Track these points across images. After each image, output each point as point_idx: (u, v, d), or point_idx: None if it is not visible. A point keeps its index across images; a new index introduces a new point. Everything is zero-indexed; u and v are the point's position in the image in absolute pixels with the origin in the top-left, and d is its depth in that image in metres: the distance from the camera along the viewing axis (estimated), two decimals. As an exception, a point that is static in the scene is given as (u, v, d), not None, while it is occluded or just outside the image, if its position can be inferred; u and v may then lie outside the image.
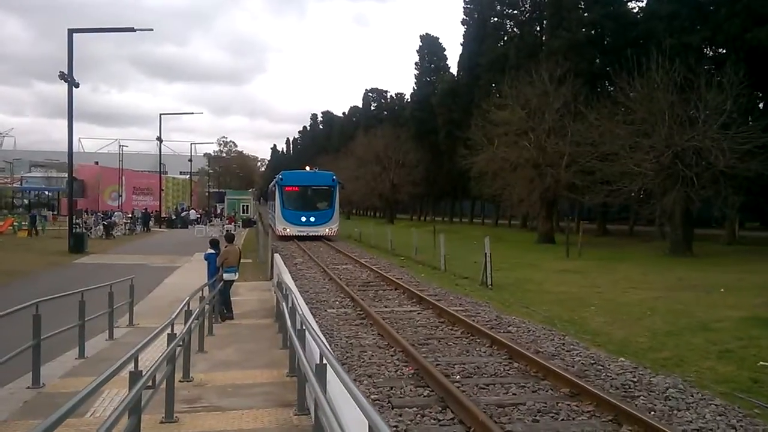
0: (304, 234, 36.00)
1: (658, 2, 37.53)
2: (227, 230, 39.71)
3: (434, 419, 6.51)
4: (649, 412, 6.49)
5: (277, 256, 19.86)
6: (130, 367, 5.17)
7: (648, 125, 27.49)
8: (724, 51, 33.24)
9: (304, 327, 7.18)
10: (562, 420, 6.38)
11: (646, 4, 41.73)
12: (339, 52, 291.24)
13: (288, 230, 36.54)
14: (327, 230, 37.22)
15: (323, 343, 5.62)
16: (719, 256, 27.23)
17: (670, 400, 6.97)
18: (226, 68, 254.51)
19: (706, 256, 27.09)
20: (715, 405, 6.82)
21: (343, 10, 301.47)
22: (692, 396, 7.14)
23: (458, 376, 8.10)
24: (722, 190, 25.60)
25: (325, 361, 5.26)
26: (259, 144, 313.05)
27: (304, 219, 36.66)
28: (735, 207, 27.89)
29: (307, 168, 43.32)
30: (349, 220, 74.45)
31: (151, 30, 29.87)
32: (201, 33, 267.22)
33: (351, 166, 69.03)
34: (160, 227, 52.65)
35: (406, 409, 6.74)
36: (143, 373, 4.87)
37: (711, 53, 35.55)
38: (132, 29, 28.57)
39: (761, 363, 9.52)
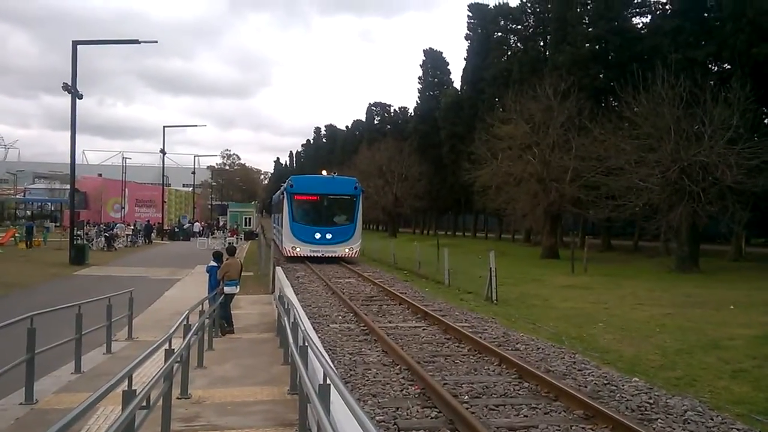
0: (319, 255, 29.07)
1: (663, 17, 37.59)
2: (229, 243, 39.57)
3: (443, 443, 6.21)
4: (668, 437, 6.20)
5: (278, 269, 19.62)
6: (124, 385, 4.91)
7: (654, 140, 27.28)
8: (730, 66, 33.10)
9: (306, 344, 6.93)
10: (577, 444, 6.08)
11: (651, 19, 41.80)
12: (343, 66, 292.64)
13: (299, 250, 29.34)
14: (347, 250, 29.83)
15: (327, 361, 5.36)
16: (726, 272, 26.90)
17: (689, 423, 6.67)
18: (231, 82, 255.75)
19: (712, 272, 26.76)
20: (737, 429, 6.52)
21: (348, 25, 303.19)
22: (712, 419, 6.84)
23: (467, 396, 7.79)
24: (729, 205, 25.33)
25: (328, 381, 5.01)
26: (262, 157, 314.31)
27: (318, 236, 29.22)
28: (742, 223, 27.60)
29: (324, 172, 35.21)
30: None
31: (156, 42, 29.99)
32: (207, 47, 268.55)
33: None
34: (162, 239, 52.46)
35: (414, 431, 6.45)
36: (137, 392, 4.61)
37: (716, 68, 35.42)
38: (137, 41, 28.54)
39: (777, 383, 9.22)
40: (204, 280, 16.06)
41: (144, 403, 4.81)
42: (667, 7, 39.42)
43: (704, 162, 25.50)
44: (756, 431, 6.55)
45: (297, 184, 31.06)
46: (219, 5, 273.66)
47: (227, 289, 13.09)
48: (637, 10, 43.30)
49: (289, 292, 13.17)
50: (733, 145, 25.11)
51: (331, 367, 5.13)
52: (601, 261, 32.34)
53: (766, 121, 30.85)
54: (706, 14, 35.97)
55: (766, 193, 26.58)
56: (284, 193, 30.71)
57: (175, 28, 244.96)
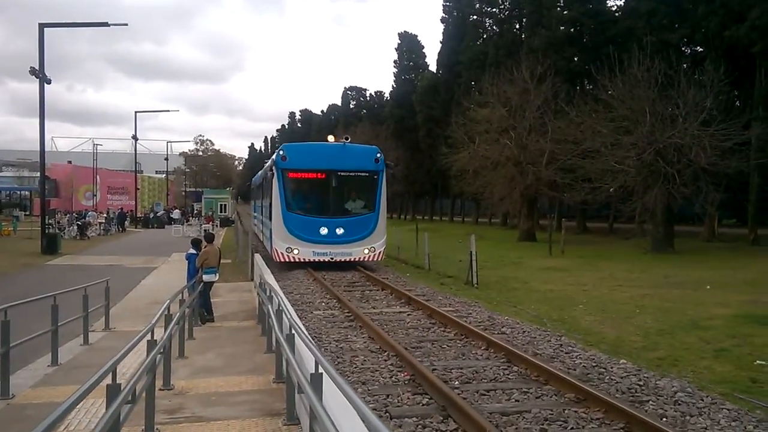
0: (327, 259, 20.40)
1: (637, 0, 37.70)
2: (206, 230, 39.04)
3: (437, 430, 6.12)
4: (661, 419, 6.19)
5: (257, 256, 19.39)
6: (108, 378, 4.71)
7: (629, 122, 27.48)
8: (703, 49, 33.45)
9: (293, 332, 6.79)
10: (572, 429, 6.03)
11: (625, 2, 41.92)
12: (318, 50, 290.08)
13: (297, 253, 20.33)
14: (366, 251, 20.74)
15: (316, 350, 5.22)
16: (700, 252, 27.33)
17: (680, 404, 6.68)
18: (204, 67, 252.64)
19: (687, 252, 27.16)
20: (728, 410, 6.55)
21: (323, 8, 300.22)
22: (702, 400, 6.86)
23: (457, 382, 7.70)
24: (703, 187, 25.68)
25: (320, 370, 4.88)
26: (237, 143, 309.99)
27: (325, 231, 20.33)
28: (715, 204, 28.00)
29: (331, 138, 22.44)
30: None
31: (126, 25, 29.16)
32: (180, 31, 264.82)
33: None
34: (135, 227, 51.61)
35: (406, 419, 6.34)
36: (122, 387, 4.42)
37: (690, 51, 35.79)
38: (106, 24, 27.76)
39: (758, 362, 9.35)
40: (181, 268, 15.80)
41: (129, 398, 4.63)
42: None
43: (679, 144, 25.77)
44: (745, 411, 6.58)
45: (292, 155, 20.88)
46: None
47: (206, 277, 12.85)
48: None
49: (270, 279, 12.99)
50: (706, 127, 25.40)
51: (322, 356, 4.99)
52: (578, 243, 32.62)
53: (738, 103, 31.25)
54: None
55: (738, 174, 27.02)
56: (273, 169, 20.88)
57: (147, 12, 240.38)
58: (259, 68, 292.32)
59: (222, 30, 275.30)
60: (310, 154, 21.66)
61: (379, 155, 21.15)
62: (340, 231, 20.46)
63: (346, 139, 21.52)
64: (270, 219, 21.83)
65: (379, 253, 21.12)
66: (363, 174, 21.08)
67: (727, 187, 29.89)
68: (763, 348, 10.03)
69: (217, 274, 13.52)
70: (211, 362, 9.44)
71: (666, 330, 11.67)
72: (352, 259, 20.74)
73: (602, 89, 29.53)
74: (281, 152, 21.03)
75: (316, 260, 20.32)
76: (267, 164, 25.65)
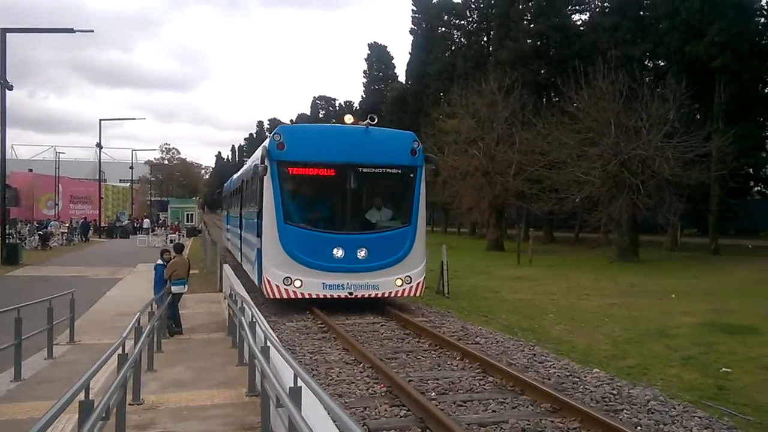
0: (343, 294, 14.14)
1: (602, 15, 38.61)
2: (172, 240, 38.41)
3: (415, 442, 6.07)
4: (636, 428, 6.27)
5: (226, 266, 19.11)
6: (80, 395, 4.57)
7: (595, 134, 27.99)
8: (665, 63, 34.34)
9: (268, 344, 6.70)
10: (549, 438, 6.07)
11: (590, 16, 42.95)
12: (287, 59, 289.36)
13: (300, 284, 14.05)
14: (398, 282, 14.54)
15: (294, 363, 5.15)
16: (664, 262, 27.93)
17: (653, 413, 6.78)
18: (171, 75, 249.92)
19: (651, 262, 27.72)
20: (699, 417, 6.67)
21: (292, 18, 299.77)
22: (674, 408, 6.97)
23: (433, 393, 7.69)
24: (666, 197, 26.30)
25: (300, 383, 4.82)
26: (203, 151, 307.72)
27: (340, 253, 14.18)
28: (678, 214, 28.67)
29: (348, 119, 15.33)
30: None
31: (92, 31, 28.61)
32: (147, 39, 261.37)
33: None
34: (99, 237, 50.49)
35: (385, 431, 6.30)
36: (95, 405, 4.29)
37: (653, 65, 36.73)
38: (71, 30, 27.25)
39: (723, 369, 9.56)
40: (147, 279, 15.47)
41: (103, 414, 4.49)
42: (605, 4, 40.55)
43: (643, 155, 26.36)
44: (715, 418, 6.72)
45: (293, 141, 14.33)
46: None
47: (175, 289, 12.61)
48: (577, 7, 44.44)
49: (241, 290, 12.82)
50: (669, 139, 26.07)
51: (300, 368, 4.93)
52: (545, 253, 33.04)
53: (698, 116, 32.11)
54: (642, 12, 37.22)
55: (700, 185, 27.75)
56: (265, 162, 14.18)
57: (113, 19, 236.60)
58: (227, 76, 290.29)
59: (189, 38, 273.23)
60: (320, 140, 14.59)
61: (416, 144, 14.67)
62: (362, 253, 13.84)
63: (372, 120, 14.52)
64: (258, 234, 14.87)
65: (418, 284, 14.40)
66: (394, 170, 14.69)
67: (689, 198, 30.62)
68: (728, 356, 10.27)
69: (186, 286, 13.28)
70: (181, 375, 9.24)
71: (634, 338, 11.87)
72: (380, 294, 14.17)
73: (568, 101, 30.09)
74: (277, 137, 14.04)
75: (328, 296, 13.76)
76: (253, 157, 18.12)
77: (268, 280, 13.83)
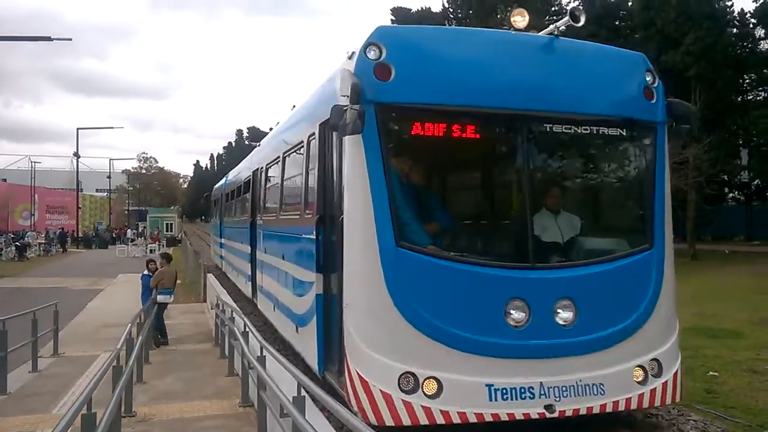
0: (534, 413, 5.59)
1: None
2: (151, 250, 38.00)
3: None
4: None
5: (210, 276, 18.96)
6: (72, 408, 4.51)
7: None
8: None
9: (265, 353, 6.68)
10: None
11: (567, 26, 43.50)
12: (266, 67, 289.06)
13: (437, 390, 5.54)
14: (639, 375, 6.03)
15: (297, 371, 5.15)
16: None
17: (648, 417, 6.86)
18: (149, 83, 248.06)
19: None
20: (694, 420, 6.78)
21: (271, 26, 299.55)
22: (669, 412, 7.07)
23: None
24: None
25: (303, 393, 4.82)
26: (182, 160, 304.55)
27: (520, 315, 5.79)
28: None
29: (519, 20, 6.45)
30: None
31: (70, 40, 28.14)
32: (124, 47, 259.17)
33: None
34: (77, 247, 49.78)
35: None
36: (98, 417, 4.24)
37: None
38: (49, 38, 26.85)
39: (711, 373, 9.72)
40: (130, 290, 15.31)
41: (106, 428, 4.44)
42: (582, 14, 41.10)
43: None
44: (710, 421, 6.83)
45: (411, 60, 5.98)
46: (138, 4, 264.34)
47: (161, 298, 12.50)
48: (555, 17, 45.00)
49: (228, 299, 12.74)
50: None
51: (304, 376, 4.92)
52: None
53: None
54: (618, 22, 37.91)
55: (678, 192, 28.08)
56: (344, 114, 5.45)
57: (90, 28, 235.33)
58: (206, 85, 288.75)
59: (166, 46, 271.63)
60: (466, 60, 6.27)
61: (651, 77, 6.89)
62: (566, 313, 5.98)
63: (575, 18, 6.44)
64: (323, 268, 7.06)
65: (674, 376, 6.38)
66: (617, 129, 6.76)
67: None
68: (714, 359, 10.46)
69: (172, 296, 13.18)
70: (171, 387, 9.15)
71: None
72: (605, 406, 5.90)
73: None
74: (374, 50, 5.99)
75: (501, 416, 5.66)
76: (308, 103, 8.78)
77: (362, 379, 5.69)
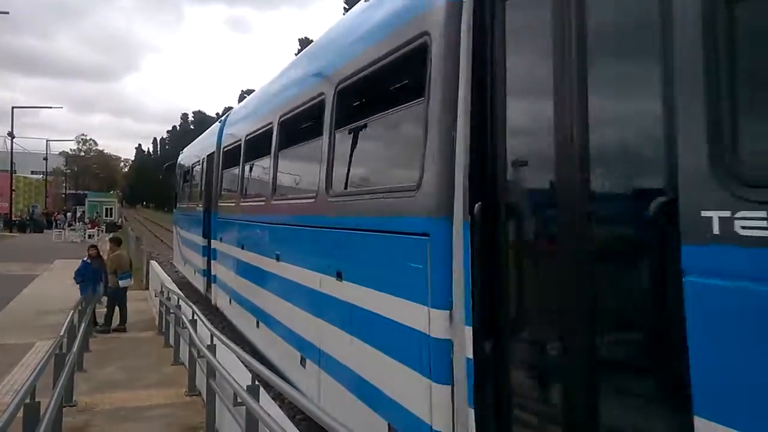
0: None
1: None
2: (90, 235, 36.77)
3: None
4: None
5: (153, 263, 18.48)
6: (16, 398, 4.32)
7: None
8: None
9: (215, 341, 6.57)
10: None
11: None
12: (214, 52, 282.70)
13: None
14: None
15: (252, 359, 5.08)
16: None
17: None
18: (93, 64, 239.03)
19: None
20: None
21: (220, 13, 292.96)
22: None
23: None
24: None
25: (256, 382, 4.76)
26: (124, 144, 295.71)
27: None
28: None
29: None
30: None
31: (7, 13, 26.92)
32: (68, 27, 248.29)
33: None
34: (10, 231, 47.62)
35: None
36: (41, 406, 4.07)
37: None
38: (-18, 10, 25.53)
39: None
40: (66, 276, 14.74)
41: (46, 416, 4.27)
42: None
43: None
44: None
45: None
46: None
47: (122, 283, 12.35)
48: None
49: (174, 287, 12.46)
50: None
51: (258, 365, 4.86)
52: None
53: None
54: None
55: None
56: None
57: (31, 4, 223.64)
58: (155, 69, 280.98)
59: (115, 28, 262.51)
60: None
61: None
62: None
63: None
64: None
65: None
66: None
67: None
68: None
69: (132, 279, 12.98)
70: (114, 375, 8.90)
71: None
72: None
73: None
74: None
75: None
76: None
77: None
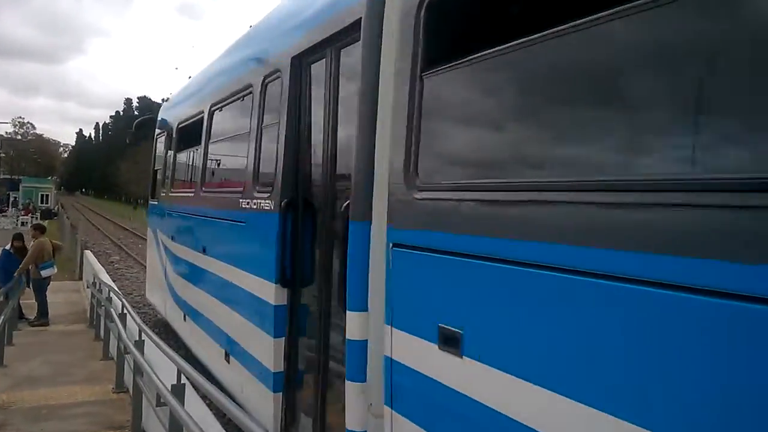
0: None
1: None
2: (23, 222, 35.20)
3: None
4: None
5: (88, 253, 17.80)
6: None
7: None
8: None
9: (144, 337, 6.29)
10: None
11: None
12: (163, 38, 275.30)
13: None
14: None
15: (179, 357, 4.85)
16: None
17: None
18: (37, 46, 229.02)
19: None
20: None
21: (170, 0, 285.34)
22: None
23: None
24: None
25: (183, 380, 4.54)
26: (65, 129, 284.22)
27: None
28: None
29: None
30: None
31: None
32: (11, 5, 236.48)
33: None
34: (-67, 217, 45.20)
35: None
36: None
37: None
38: None
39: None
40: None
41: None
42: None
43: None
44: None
45: None
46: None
47: (45, 273, 11.74)
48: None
49: (107, 279, 12.00)
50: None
51: (186, 364, 4.65)
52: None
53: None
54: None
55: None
56: None
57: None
58: (99, 52, 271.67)
59: (60, 9, 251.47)
60: None
61: None
62: None
63: None
64: None
65: None
66: None
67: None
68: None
69: (55, 267, 12.34)
70: (37, 371, 8.45)
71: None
72: None
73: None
74: None
75: None
76: None
77: None
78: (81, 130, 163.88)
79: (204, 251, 6.60)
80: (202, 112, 7.29)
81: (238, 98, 6.00)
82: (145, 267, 18.92)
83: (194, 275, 7.14)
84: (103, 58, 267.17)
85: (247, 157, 5.36)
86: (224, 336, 5.74)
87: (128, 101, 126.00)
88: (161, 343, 5.37)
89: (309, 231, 4.45)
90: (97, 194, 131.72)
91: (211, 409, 5.06)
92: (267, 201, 4.80)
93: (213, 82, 7.33)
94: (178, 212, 8.39)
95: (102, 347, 9.31)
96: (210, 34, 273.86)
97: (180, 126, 8.85)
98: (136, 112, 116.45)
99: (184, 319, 7.65)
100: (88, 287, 13.79)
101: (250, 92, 5.50)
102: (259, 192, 5.03)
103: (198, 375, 4.15)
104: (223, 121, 6.81)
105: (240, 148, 5.71)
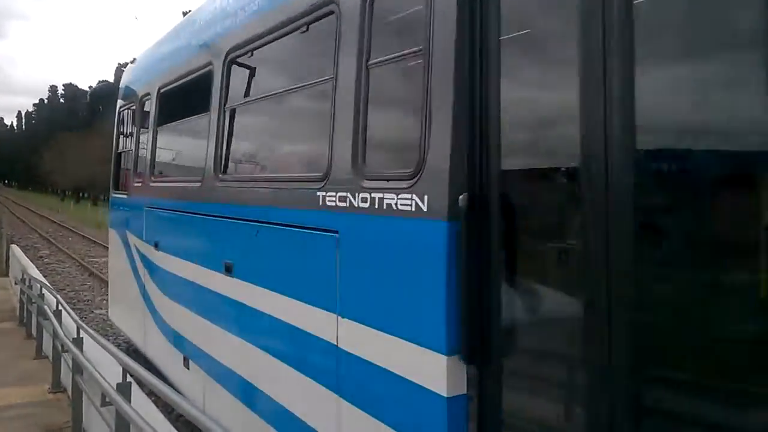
0: None
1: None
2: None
3: None
4: None
5: (14, 247, 16.95)
6: None
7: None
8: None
9: (83, 335, 6.04)
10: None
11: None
12: (90, 23, 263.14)
13: None
14: None
15: (123, 355, 4.68)
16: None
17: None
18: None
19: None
20: None
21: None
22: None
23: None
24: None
25: (129, 379, 4.39)
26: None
27: None
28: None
29: None
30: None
31: None
32: None
33: (105, 146, 62.36)
34: None
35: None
36: None
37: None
38: None
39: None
40: None
41: None
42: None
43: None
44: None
45: None
46: None
47: None
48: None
49: (37, 274, 11.45)
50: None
51: (129, 360, 4.49)
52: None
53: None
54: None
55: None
56: None
57: None
58: (21, 36, 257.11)
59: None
60: None
61: None
62: None
63: None
64: None
65: None
66: None
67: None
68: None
69: None
70: (-37, 373, 7.99)
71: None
72: None
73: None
74: None
75: None
76: None
77: None
78: (2, 118, 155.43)
79: (228, 272, 4.65)
80: (210, 63, 5.28)
81: (300, 27, 3.90)
82: (78, 262, 18.26)
83: (208, 307, 5.14)
84: (23, 42, 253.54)
85: (333, 119, 3.42)
86: None
87: (53, 88, 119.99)
88: (102, 340, 5.17)
89: (510, 253, 2.53)
90: (20, 186, 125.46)
91: (158, 407, 4.93)
92: (405, 196, 2.82)
93: (235, 17, 4.93)
94: (167, 209, 6.37)
95: (35, 346, 8.89)
96: (141, 18, 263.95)
97: (163, 90, 6.85)
98: (62, 100, 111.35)
99: (186, 365, 5.69)
100: (16, 284, 13.12)
101: (333, 13, 3.52)
102: (375, 179, 3.10)
103: (144, 371, 4.02)
104: (264, 72, 4.75)
105: (309, 107, 4.10)
